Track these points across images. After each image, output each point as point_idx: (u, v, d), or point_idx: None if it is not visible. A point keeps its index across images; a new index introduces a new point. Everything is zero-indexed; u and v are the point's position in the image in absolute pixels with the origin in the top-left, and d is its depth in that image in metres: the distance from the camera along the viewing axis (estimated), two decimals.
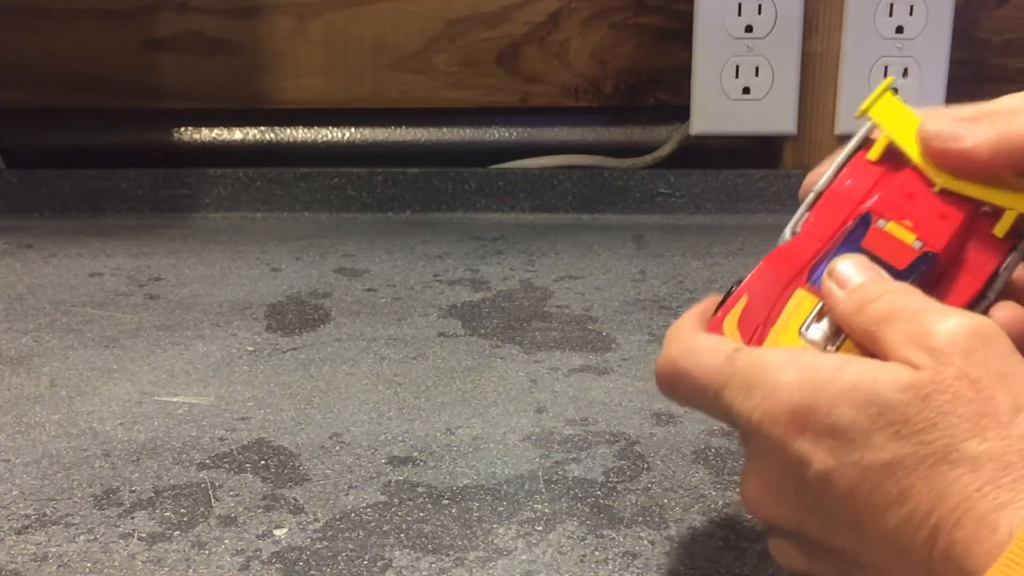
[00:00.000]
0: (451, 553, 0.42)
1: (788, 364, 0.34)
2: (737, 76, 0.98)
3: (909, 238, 0.39)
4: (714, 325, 0.39)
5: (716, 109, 0.99)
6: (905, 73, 0.97)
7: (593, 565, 0.41)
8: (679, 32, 1.04)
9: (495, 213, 1.02)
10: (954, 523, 0.31)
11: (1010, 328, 0.38)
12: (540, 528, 0.44)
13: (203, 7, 1.08)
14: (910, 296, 0.35)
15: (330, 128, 1.12)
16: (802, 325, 0.38)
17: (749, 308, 0.38)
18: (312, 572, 0.41)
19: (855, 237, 0.39)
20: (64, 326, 0.71)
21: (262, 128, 1.12)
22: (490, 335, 0.68)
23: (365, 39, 1.09)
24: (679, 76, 1.03)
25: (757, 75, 0.98)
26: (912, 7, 0.96)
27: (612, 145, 1.10)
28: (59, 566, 0.42)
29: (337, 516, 0.45)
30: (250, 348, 0.66)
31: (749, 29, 0.97)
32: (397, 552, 0.42)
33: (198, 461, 0.51)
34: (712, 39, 0.98)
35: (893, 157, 0.41)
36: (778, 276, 0.39)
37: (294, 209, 1.04)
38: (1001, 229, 0.39)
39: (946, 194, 0.39)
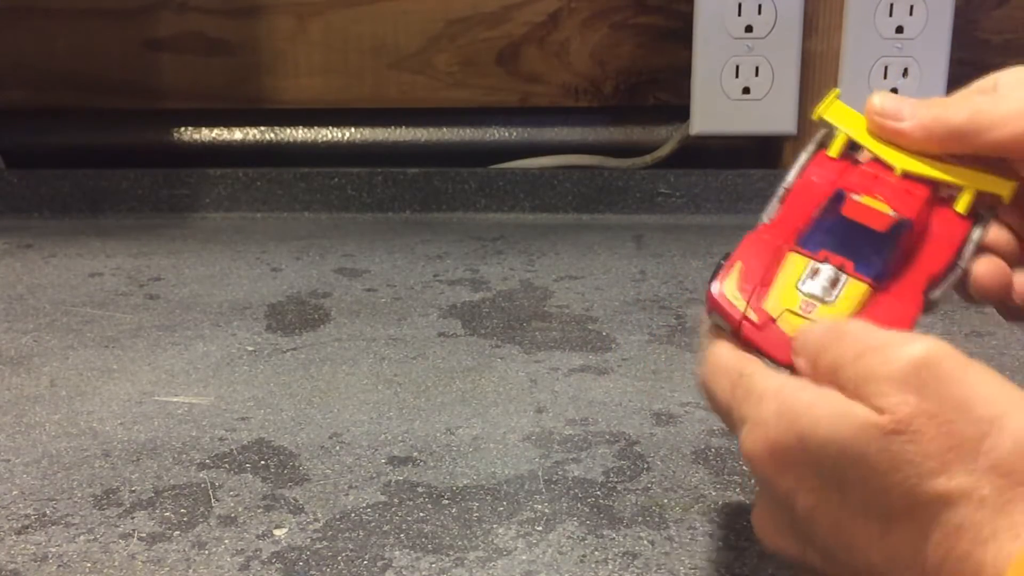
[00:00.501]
0: (451, 553, 0.42)
1: (774, 395, 0.34)
2: (737, 76, 0.98)
3: (884, 207, 0.42)
4: (715, 291, 0.40)
5: (716, 109, 0.99)
6: (905, 73, 0.97)
7: (593, 565, 0.41)
8: (679, 32, 1.04)
9: (495, 213, 1.02)
10: (940, 562, 0.30)
11: (991, 277, 0.41)
12: (540, 528, 0.44)
13: (203, 7, 1.08)
14: (845, 340, 0.34)
15: (330, 128, 1.12)
16: (798, 281, 0.40)
17: (745, 272, 0.40)
18: (312, 572, 0.41)
19: (834, 208, 0.42)
20: (64, 326, 0.71)
21: (262, 128, 1.12)
22: (490, 335, 0.68)
23: (365, 39, 1.09)
24: (679, 76, 1.03)
25: (757, 75, 0.98)
26: (912, 7, 0.96)
27: (612, 145, 1.10)
28: (59, 566, 0.42)
29: (337, 516, 0.45)
30: (250, 348, 0.66)
31: (749, 29, 0.97)
32: (397, 552, 0.42)
33: (198, 461, 0.51)
34: (712, 39, 0.98)
35: (852, 153, 0.44)
36: (766, 244, 0.41)
37: (294, 209, 1.03)
38: (962, 206, 0.42)
39: (907, 176, 0.42)
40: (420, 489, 0.48)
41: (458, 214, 1.02)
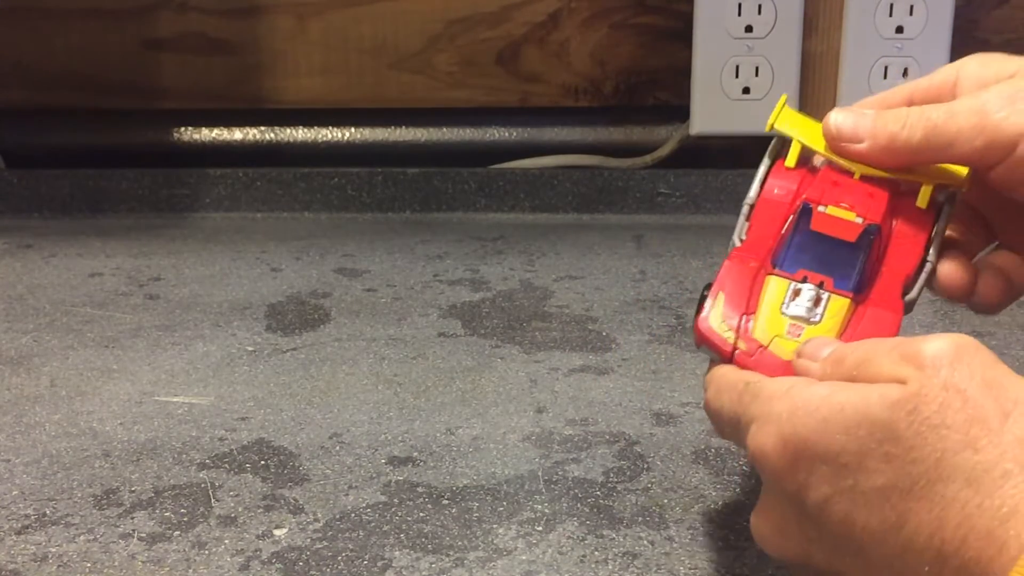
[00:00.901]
0: (451, 553, 0.42)
1: (784, 395, 0.35)
2: (737, 76, 0.98)
3: (850, 216, 0.42)
4: (703, 325, 0.40)
5: (716, 109, 0.99)
6: (905, 73, 0.97)
7: (593, 565, 0.41)
8: (679, 32, 1.04)
9: (495, 213, 1.02)
10: (959, 544, 0.30)
11: (953, 277, 0.42)
12: (540, 528, 0.44)
13: (203, 7, 1.08)
14: (884, 340, 0.35)
15: (330, 128, 1.12)
16: (782, 305, 0.40)
17: (729, 302, 0.41)
18: (312, 572, 0.41)
19: (803, 224, 0.43)
20: (64, 326, 0.71)
21: (262, 128, 1.12)
22: (490, 335, 0.68)
23: (365, 39, 1.09)
24: (679, 76, 1.03)
25: (757, 75, 0.98)
26: (912, 7, 0.96)
27: (612, 145, 1.10)
28: (59, 566, 0.42)
29: (337, 516, 0.45)
30: (250, 348, 0.66)
31: (749, 29, 0.97)
32: (397, 552, 0.42)
33: (198, 461, 0.51)
34: (712, 39, 0.98)
35: (808, 160, 0.45)
36: (745, 270, 0.42)
37: (294, 209, 1.04)
38: (922, 201, 0.43)
39: (866, 179, 0.43)
40: (420, 489, 0.48)
41: (458, 214, 1.02)
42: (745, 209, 0.45)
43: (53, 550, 0.43)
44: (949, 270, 0.43)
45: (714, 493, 0.47)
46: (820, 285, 0.41)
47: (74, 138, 1.13)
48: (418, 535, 0.44)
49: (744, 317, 0.41)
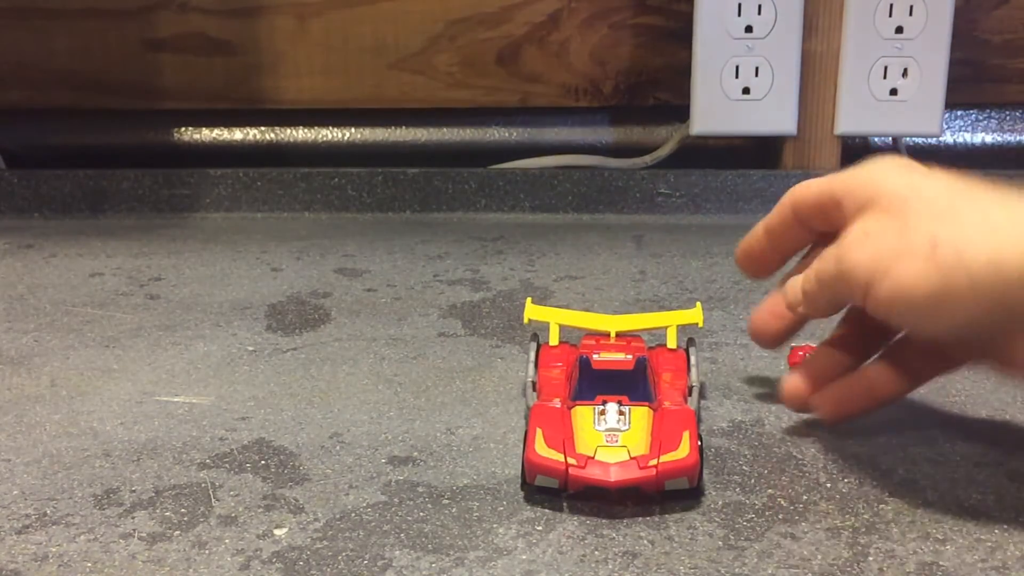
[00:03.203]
0: (451, 553, 0.42)
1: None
2: (737, 76, 0.98)
3: (621, 355, 0.51)
4: (533, 455, 0.45)
5: (716, 109, 1.00)
6: (905, 73, 0.97)
7: (593, 565, 0.41)
8: (679, 32, 1.04)
9: (495, 213, 1.02)
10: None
11: (793, 389, 0.52)
12: (540, 528, 0.44)
13: (203, 7, 1.08)
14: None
15: (330, 128, 1.12)
16: (593, 424, 0.46)
17: (547, 435, 0.46)
18: (312, 572, 0.41)
19: (586, 369, 0.51)
20: (65, 326, 0.71)
21: (262, 128, 1.13)
22: (490, 335, 0.68)
23: (365, 39, 1.09)
24: (679, 76, 1.03)
25: (757, 75, 0.98)
26: (912, 7, 0.96)
27: (612, 145, 1.10)
28: (59, 566, 0.42)
29: (337, 516, 0.45)
30: (250, 348, 0.66)
31: (749, 29, 0.97)
32: (397, 552, 0.42)
33: (198, 461, 0.51)
34: (712, 39, 0.98)
35: (565, 339, 0.56)
36: (551, 410, 0.48)
37: (294, 209, 1.04)
38: (671, 342, 0.55)
39: (621, 335, 0.55)
40: (420, 489, 0.48)
41: (458, 214, 1.02)
42: (528, 383, 0.53)
43: (53, 550, 0.43)
44: (792, 384, 0.51)
45: (714, 493, 0.47)
46: (619, 403, 0.47)
47: (74, 138, 1.13)
48: (418, 535, 0.44)
49: (565, 441, 0.45)
